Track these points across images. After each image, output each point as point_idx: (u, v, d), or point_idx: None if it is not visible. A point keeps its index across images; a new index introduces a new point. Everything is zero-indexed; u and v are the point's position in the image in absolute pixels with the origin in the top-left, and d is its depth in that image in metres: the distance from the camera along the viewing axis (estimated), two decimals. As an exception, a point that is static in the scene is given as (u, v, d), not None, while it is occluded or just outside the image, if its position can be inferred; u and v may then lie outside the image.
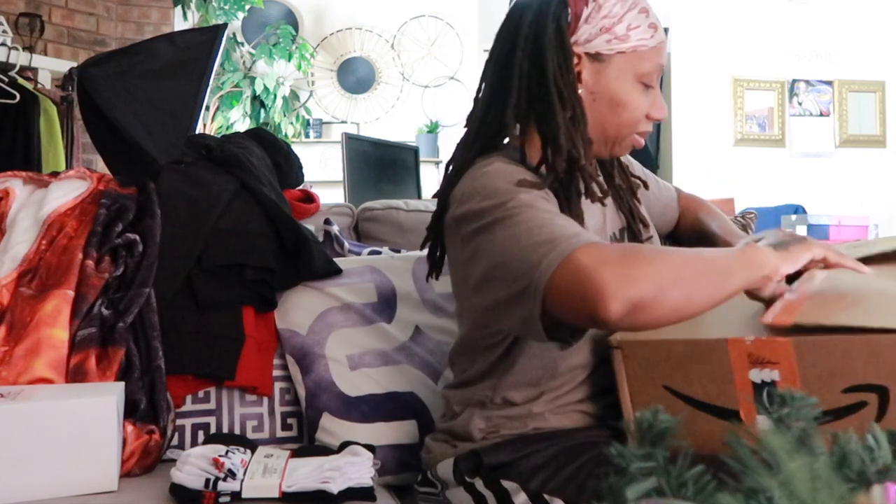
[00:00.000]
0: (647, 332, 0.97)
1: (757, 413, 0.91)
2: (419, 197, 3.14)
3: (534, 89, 1.04)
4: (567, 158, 1.02)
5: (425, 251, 1.22)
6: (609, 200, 1.16)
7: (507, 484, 1.06)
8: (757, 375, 0.91)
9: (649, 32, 1.04)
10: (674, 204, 1.39)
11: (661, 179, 1.40)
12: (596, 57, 1.04)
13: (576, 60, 1.04)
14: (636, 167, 1.31)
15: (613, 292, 0.82)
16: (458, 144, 1.14)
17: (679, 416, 0.91)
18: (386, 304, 1.45)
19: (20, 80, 3.10)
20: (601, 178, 1.12)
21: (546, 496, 1.02)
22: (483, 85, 1.12)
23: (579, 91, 1.05)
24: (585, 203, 1.08)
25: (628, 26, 1.03)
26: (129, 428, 1.20)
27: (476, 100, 1.13)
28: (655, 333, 0.96)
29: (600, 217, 1.16)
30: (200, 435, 1.33)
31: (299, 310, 1.43)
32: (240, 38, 5.52)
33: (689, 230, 1.38)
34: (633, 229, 1.19)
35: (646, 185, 1.28)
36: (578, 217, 1.04)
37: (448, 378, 1.28)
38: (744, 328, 0.93)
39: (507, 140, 1.11)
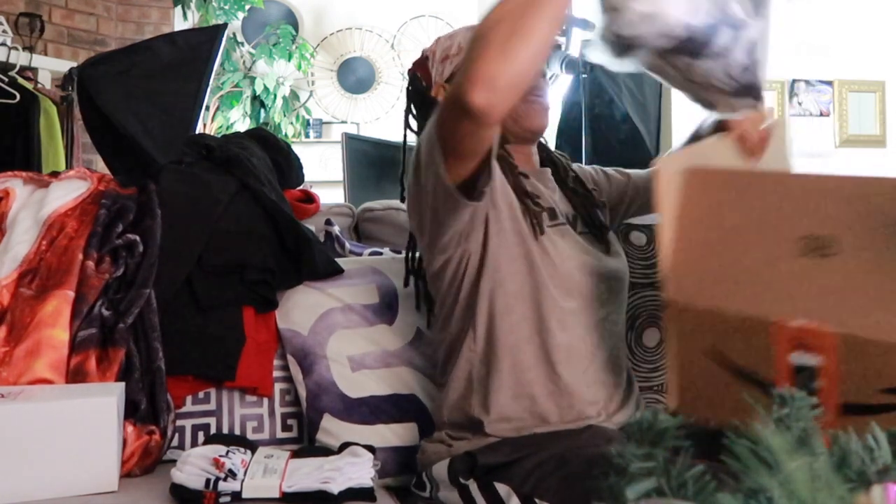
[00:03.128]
0: (701, 297, 1.00)
1: None
2: (419, 197, 3.13)
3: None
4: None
5: None
6: (556, 189, 1.31)
7: (499, 487, 1.07)
8: (798, 358, 0.92)
9: None
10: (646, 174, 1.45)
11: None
12: (451, 79, 1.26)
13: (442, 92, 1.27)
14: (587, 173, 1.42)
15: (466, 86, 0.97)
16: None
17: (717, 380, 0.93)
18: (388, 306, 1.45)
19: (20, 80, 3.10)
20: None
21: (537, 500, 1.02)
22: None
23: None
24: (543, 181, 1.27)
25: (459, 45, 1.29)
26: (130, 428, 1.20)
27: None
28: (710, 299, 0.98)
29: (555, 196, 1.28)
30: (201, 436, 1.33)
31: (301, 310, 1.42)
32: (240, 38, 5.51)
33: None
34: (586, 221, 1.29)
35: (603, 203, 1.37)
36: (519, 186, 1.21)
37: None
38: (796, 308, 0.93)
39: None
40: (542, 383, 1.15)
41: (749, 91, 1.09)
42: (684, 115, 5.64)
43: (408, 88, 1.36)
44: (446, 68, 1.29)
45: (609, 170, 1.45)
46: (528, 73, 1.00)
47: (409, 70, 1.37)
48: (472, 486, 1.09)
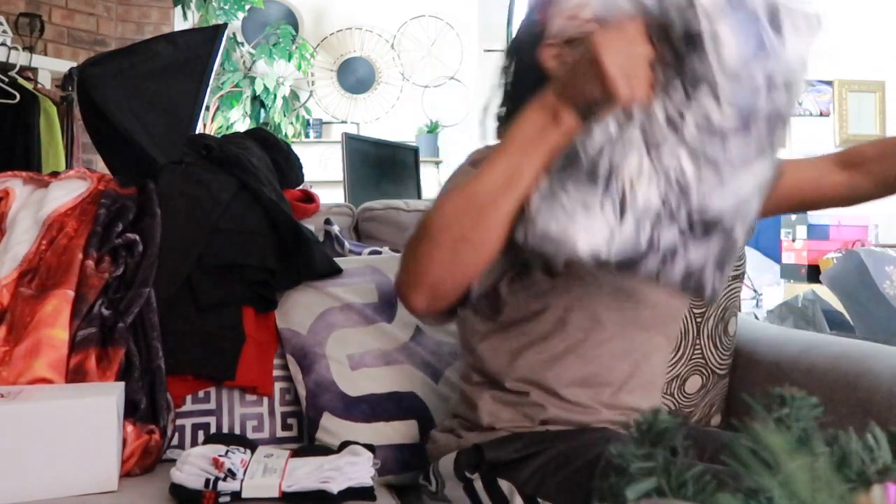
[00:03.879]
0: None
1: None
2: (419, 197, 3.14)
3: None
4: None
5: None
6: None
7: (503, 484, 1.06)
8: None
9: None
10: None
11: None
12: (571, 42, 1.06)
13: (556, 52, 1.07)
14: None
15: (407, 288, 0.95)
16: None
17: None
18: (387, 304, 1.45)
19: (20, 80, 3.10)
20: None
21: (540, 500, 1.02)
22: None
23: None
24: None
25: (591, 11, 1.03)
26: (129, 428, 1.20)
27: None
28: None
29: None
30: (200, 435, 1.33)
31: (300, 309, 1.43)
32: (240, 38, 5.52)
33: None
34: None
35: None
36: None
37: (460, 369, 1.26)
38: None
39: None
40: (555, 411, 1.09)
41: (694, 295, 0.93)
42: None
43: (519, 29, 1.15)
44: (567, 27, 1.07)
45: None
46: (476, 276, 0.93)
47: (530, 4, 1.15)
48: (477, 483, 1.09)
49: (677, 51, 0.82)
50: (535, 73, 1.07)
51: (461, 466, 1.10)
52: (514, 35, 1.15)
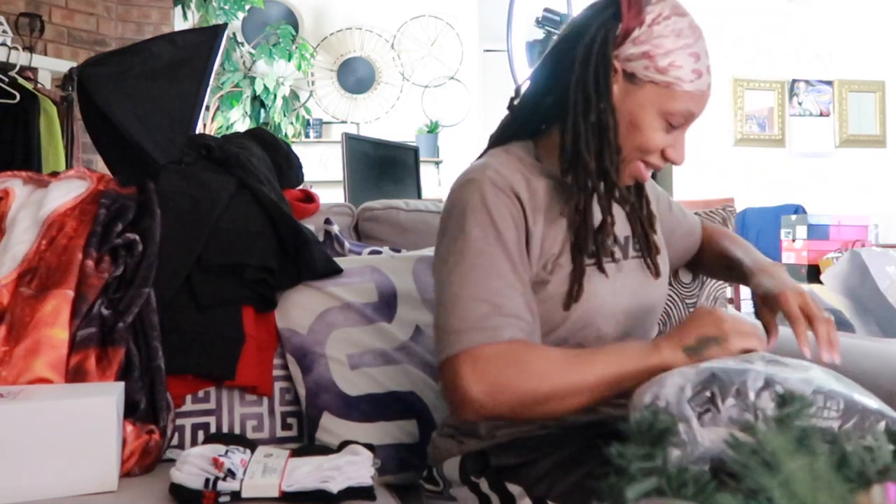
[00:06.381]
0: None
1: None
2: (419, 197, 3.14)
3: (565, 91, 1.07)
4: (595, 165, 1.06)
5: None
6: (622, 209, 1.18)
7: (511, 487, 1.06)
8: None
9: (690, 76, 1.03)
10: (696, 231, 1.37)
11: (685, 209, 1.39)
12: (630, 77, 1.05)
13: (616, 71, 1.05)
14: (659, 194, 1.32)
15: (472, 404, 0.98)
16: (500, 124, 1.19)
17: None
18: (386, 304, 1.45)
19: (20, 80, 3.11)
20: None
21: (550, 502, 1.01)
22: (534, 76, 1.15)
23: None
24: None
25: (671, 63, 1.02)
26: (129, 428, 1.20)
27: (522, 87, 1.18)
28: None
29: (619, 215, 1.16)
30: (200, 435, 1.33)
31: (300, 309, 1.43)
32: (240, 38, 5.52)
33: (715, 259, 1.35)
34: (641, 244, 1.18)
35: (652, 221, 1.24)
36: (581, 213, 1.07)
37: None
38: None
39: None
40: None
41: None
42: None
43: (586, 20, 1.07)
44: (637, 63, 1.03)
45: (674, 203, 1.35)
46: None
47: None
48: (483, 485, 1.08)
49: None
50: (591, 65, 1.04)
51: (467, 471, 1.11)
52: (572, 17, 1.11)
